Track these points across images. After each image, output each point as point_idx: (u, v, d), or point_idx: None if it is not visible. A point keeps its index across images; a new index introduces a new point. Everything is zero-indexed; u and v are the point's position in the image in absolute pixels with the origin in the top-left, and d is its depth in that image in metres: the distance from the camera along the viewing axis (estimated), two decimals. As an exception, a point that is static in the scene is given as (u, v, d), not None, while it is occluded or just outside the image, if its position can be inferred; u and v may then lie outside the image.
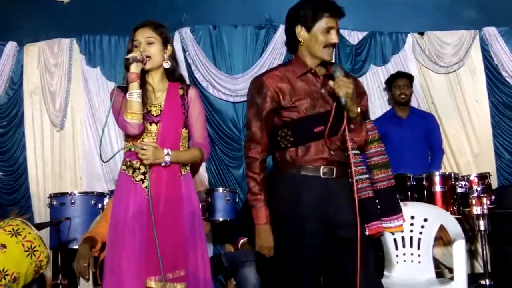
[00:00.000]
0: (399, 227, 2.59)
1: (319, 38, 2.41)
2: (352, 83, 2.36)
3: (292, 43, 2.52)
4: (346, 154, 2.40)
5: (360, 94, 2.55)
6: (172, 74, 2.73)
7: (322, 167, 2.39)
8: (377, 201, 2.54)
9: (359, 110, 2.41)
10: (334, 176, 2.41)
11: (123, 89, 2.62)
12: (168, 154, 2.56)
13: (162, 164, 2.56)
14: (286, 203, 2.42)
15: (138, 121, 2.53)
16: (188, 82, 5.06)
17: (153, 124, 2.62)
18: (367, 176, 2.47)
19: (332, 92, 2.39)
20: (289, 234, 2.40)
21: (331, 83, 2.36)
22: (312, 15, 2.41)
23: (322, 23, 2.40)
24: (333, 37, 2.42)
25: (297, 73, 2.46)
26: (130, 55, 2.54)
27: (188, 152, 2.69)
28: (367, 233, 2.44)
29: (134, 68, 2.53)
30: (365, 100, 2.60)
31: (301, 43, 2.46)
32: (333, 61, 2.54)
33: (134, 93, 2.51)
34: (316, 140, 2.40)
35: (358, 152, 2.48)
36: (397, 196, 2.68)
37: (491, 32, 5.16)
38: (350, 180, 2.42)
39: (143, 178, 2.57)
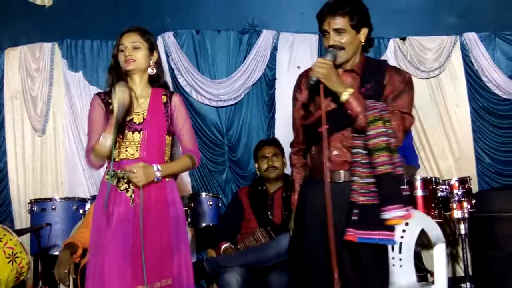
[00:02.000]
0: (396, 219, 2.28)
1: (324, 42, 2.46)
2: (331, 65, 2.31)
3: None
4: (351, 153, 2.35)
5: (399, 91, 2.42)
6: (156, 81, 2.72)
7: (328, 171, 2.35)
8: (359, 207, 2.34)
9: (347, 91, 2.31)
10: (341, 180, 2.39)
11: (104, 95, 2.61)
12: (158, 169, 2.53)
13: (155, 181, 2.54)
14: (297, 207, 2.54)
15: (101, 163, 2.59)
16: (171, 87, 5.07)
17: (136, 132, 2.59)
18: (358, 179, 2.33)
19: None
20: (294, 238, 2.50)
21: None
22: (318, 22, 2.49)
23: (320, 28, 2.45)
24: (328, 41, 2.41)
25: None
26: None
27: (178, 162, 2.68)
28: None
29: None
30: (403, 99, 2.41)
31: None
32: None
33: (110, 139, 2.47)
34: (321, 140, 2.36)
35: (361, 151, 2.34)
36: (400, 185, 2.34)
37: (471, 37, 5.22)
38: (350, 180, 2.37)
39: (127, 187, 2.55)
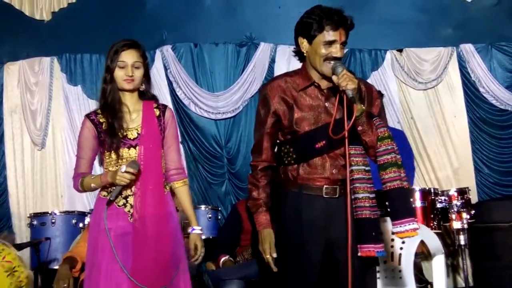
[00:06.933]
0: (411, 232, 2.32)
1: (319, 50, 2.33)
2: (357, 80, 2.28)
3: (299, 53, 2.48)
4: (350, 170, 2.32)
5: (373, 98, 2.48)
6: (145, 94, 2.71)
7: (324, 186, 2.37)
8: (375, 221, 2.35)
9: (363, 106, 2.30)
10: (337, 195, 2.37)
11: (95, 115, 2.60)
12: (200, 229, 2.72)
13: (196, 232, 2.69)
14: (287, 223, 2.41)
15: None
16: (169, 99, 5.11)
17: (132, 148, 2.57)
18: (367, 195, 2.34)
19: (335, 103, 2.31)
20: (289, 253, 2.38)
21: (334, 78, 2.25)
22: (313, 26, 2.33)
23: (323, 35, 2.32)
24: (334, 50, 2.31)
25: (300, 85, 2.42)
26: (114, 193, 2.50)
27: (190, 204, 2.76)
28: (359, 254, 2.32)
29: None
30: (376, 106, 2.49)
31: (305, 54, 2.41)
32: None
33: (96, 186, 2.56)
34: (318, 156, 2.36)
35: (363, 168, 2.37)
36: (410, 198, 2.42)
37: (468, 48, 5.26)
38: (352, 197, 2.33)
39: (125, 202, 2.55)
